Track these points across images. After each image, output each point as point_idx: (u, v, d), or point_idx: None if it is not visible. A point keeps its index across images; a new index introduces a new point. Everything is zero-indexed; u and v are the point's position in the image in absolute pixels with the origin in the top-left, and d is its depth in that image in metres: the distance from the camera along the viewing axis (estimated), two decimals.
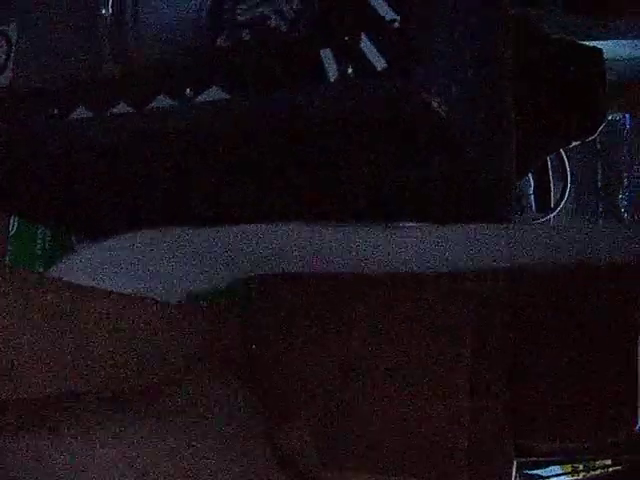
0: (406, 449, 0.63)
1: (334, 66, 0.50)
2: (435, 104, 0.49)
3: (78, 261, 0.67)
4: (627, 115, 0.85)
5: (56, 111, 0.58)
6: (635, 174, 0.85)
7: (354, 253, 0.60)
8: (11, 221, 0.67)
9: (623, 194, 0.85)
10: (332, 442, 0.63)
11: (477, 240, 0.58)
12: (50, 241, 0.69)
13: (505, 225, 0.58)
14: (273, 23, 0.52)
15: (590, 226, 0.60)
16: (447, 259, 0.60)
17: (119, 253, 0.65)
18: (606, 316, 0.64)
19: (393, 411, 0.63)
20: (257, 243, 0.61)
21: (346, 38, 0.50)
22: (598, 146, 0.86)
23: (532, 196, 0.80)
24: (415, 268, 0.60)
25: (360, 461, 0.63)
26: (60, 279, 0.64)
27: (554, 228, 0.65)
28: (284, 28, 0.52)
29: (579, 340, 0.65)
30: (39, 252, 0.68)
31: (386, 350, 0.64)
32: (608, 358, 0.64)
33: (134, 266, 0.66)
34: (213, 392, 0.63)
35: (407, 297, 0.63)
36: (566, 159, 0.83)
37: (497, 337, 0.64)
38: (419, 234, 0.58)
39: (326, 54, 0.50)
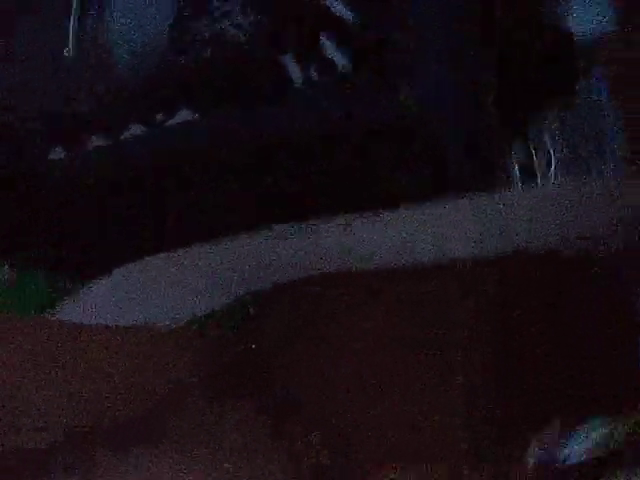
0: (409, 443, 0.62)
1: (297, 70, 0.50)
2: (403, 98, 0.49)
3: (79, 303, 0.66)
4: (604, 81, 0.85)
5: (35, 152, 0.58)
6: (617, 143, 0.85)
7: (336, 249, 0.60)
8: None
9: (607, 165, 0.85)
10: (345, 451, 0.63)
11: (463, 216, 0.57)
12: (44, 285, 0.69)
13: (491, 195, 0.57)
14: (230, 36, 0.52)
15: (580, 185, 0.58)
16: (435, 243, 0.59)
17: (119, 287, 0.64)
18: (604, 308, 0.62)
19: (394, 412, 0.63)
20: (245, 256, 0.61)
21: (305, 41, 0.50)
22: (581, 115, 0.85)
23: (517, 169, 0.79)
24: (404, 258, 0.60)
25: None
26: (60, 320, 0.64)
27: (543, 193, 0.64)
28: (242, 40, 0.52)
29: (575, 337, 0.63)
30: (34, 297, 0.68)
31: (384, 355, 0.63)
32: (608, 353, 0.62)
33: (134, 297, 0.65)
34: (221, 414, 0.63)
35: (402, 295, 0.63)
36: (549, 131, 0.82)
37: (489, 335, 0.64)
38: (401, 219, 0.57)
39: (287, 60, 0.50)
